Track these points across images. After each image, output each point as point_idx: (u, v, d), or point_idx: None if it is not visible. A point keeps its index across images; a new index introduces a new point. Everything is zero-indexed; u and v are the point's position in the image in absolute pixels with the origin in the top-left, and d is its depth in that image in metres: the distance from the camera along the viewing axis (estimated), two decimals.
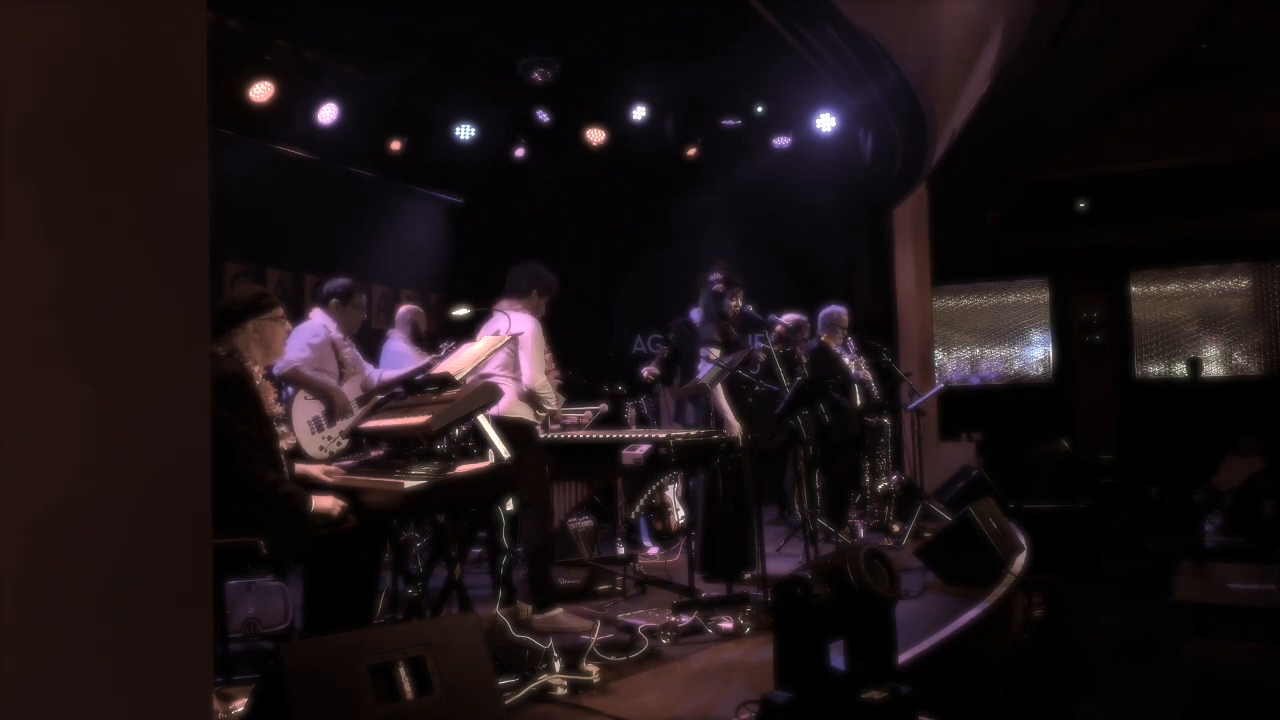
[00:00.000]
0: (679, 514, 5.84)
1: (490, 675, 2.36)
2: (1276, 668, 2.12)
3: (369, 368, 5.04)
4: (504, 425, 4.15)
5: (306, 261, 7.70)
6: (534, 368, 4.26)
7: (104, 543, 1.68)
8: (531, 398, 4.28)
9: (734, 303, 5.22)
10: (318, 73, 6.86)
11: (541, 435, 4.51)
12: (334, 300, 4.80)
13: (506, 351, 4.29)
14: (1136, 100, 10.33)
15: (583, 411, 5.53)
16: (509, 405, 4.24)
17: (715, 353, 4.99)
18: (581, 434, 4.75)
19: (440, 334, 5.00)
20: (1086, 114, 10.58)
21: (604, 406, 5.80)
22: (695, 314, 5.35)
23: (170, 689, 1.77)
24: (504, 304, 4.44)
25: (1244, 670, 2.16)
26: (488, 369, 4.29)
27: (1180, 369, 11.11)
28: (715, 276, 5.23)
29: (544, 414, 4.39)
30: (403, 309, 6.03)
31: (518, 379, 4.30)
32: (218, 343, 3.05)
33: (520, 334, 4.28)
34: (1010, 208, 11.56)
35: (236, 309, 3.17)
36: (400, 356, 5.56)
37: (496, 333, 4.26)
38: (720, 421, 4.97)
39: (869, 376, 6.56)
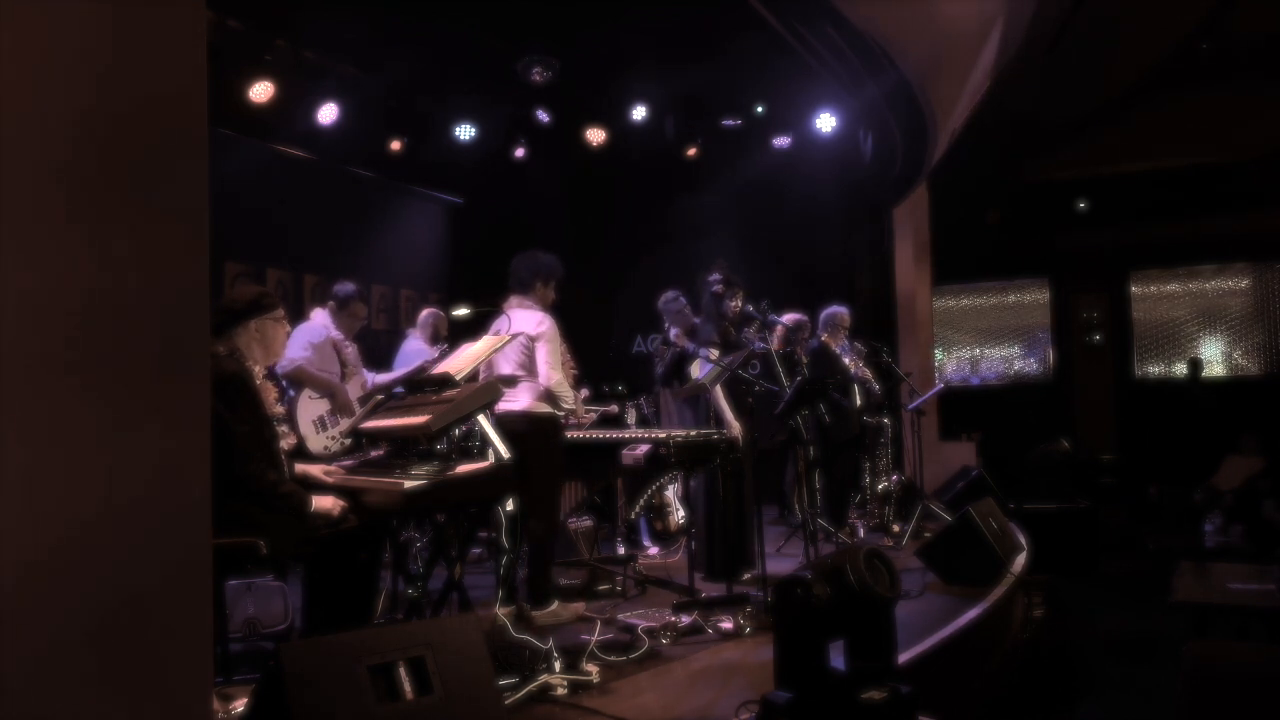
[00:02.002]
0: (679, 514, 5.83)
1: (490, 675, 2.36)
2: (1276, 668, 2.12)
3: (366, 371, 5.11)
4: (530, 420, 4.17)
5: (306, 261, 7.70)
6: (550, 366, 4.23)
7: (103, 542, 1.69)
8: (549, 396, 4.25)
9: (734, 303, 5.20)
10: (318, 73, 6.87)
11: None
12: (332, 303, 5.03)
13: (522, 350, 4.27)
14: (1136, 100, 10.32)
15: (590, 412, 5.55)
16: (533, 401, 4.24)
17: (714, 353, 4.99)
18: (581, 434, 4.75)
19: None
20: (1086, 114, 10.58)
21: (614, 408, 5.82)
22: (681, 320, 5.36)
23: (170, 689, 1.77)
24: (513, 300, 4.39)
25: (1244, 670, 2.16)
26: (507, 369, 4.29)
27: (1180, 369, 11.11)
28: (714, 278, 5.22)
29: (563, 412, 4.35)
30: (425, 312, 6.23)
31: (535, 377, 4.28)
32: (218, 342, 3.05)
33: (521, 334, 4.27)
34: (1010, 208, 11.56)
35: (239, 308, 3.17)
36: (420, 355, 5.65)
37: (497, 332, 4.25)
38: (720, 422, 4.97)
39: (869, 375, 6.56)
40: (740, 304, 5.22)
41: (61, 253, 1.67)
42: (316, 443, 4.63)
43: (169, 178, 1.82)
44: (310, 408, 4.71)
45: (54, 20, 1.67)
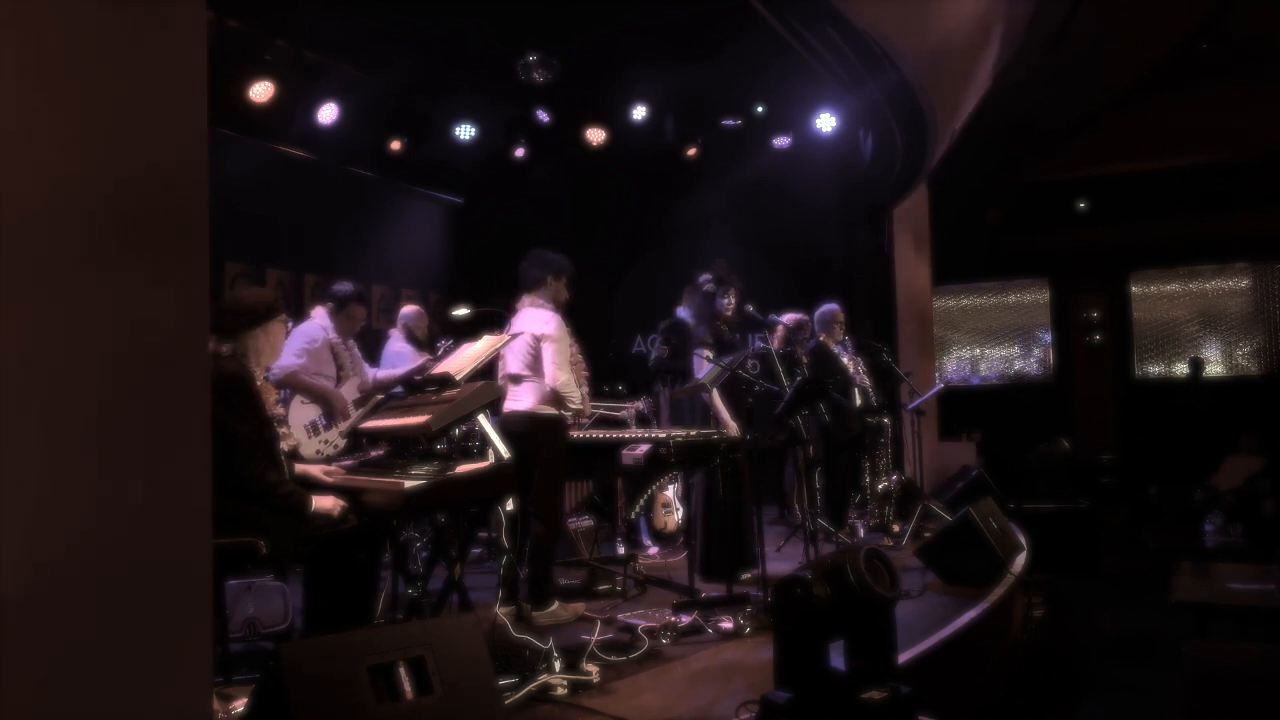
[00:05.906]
0: (679, 514, 5.84)
1: (490, 675, 2.36)
2: (1276, 668, 2.12)
3: (367, 368, 5.05)
4: (534, 421, 4.17)
5: (306, 261, 7.70)
6: (556, 367, 4.21)
7: (104, 542, 1.69)
8: (554, 397, 4.24)
9: (727, 302, 5.18)
10: (318, 73, 6.86)
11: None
12: (330, 304, 4.89)
13: (529, 350, 4.26)
14: (1136, 100, 10.33)
15: (597, 409, 5.55)
16: (537, 402, 4.23)
17: (708, 353, 4.98)
18: (582, 434, 4.75)
19: (439, 334, 5.00)
20: (1087, 114, 10.59)
21: (636, 404, 5.82)
22: (682, 312, 5.33)
23: (170, 689, 1.77)
24: (525, 300, 4.39)
25: (1244, 670, 2.16)
26: (513, 369, 4.28)
27: (1180, 369, 11.11)
28: (705, 277, 5.22)
29: (569, 412, 4.35)
30: (403, 310, 6.08)
31: (542, 377, 4.27)
32: (226, 343, 3.04)
33: (525, 333, 4.26)
34: (1010, 208, 11.57)
35: (261, 310, 3.15)
36: (399, 356, 5.61)
37: (497, 332, 4.25)
38: (717, 422, 4.97)
39: (867, 383, 6.56)
40: (733, 302, 5.20)
41: (63, 244, 1.67)
42: (309, 447, 4.56)
43: (170, 175, 1.81)
44: (302, 412, 4.65)
45: (58, 20, 1.67)
